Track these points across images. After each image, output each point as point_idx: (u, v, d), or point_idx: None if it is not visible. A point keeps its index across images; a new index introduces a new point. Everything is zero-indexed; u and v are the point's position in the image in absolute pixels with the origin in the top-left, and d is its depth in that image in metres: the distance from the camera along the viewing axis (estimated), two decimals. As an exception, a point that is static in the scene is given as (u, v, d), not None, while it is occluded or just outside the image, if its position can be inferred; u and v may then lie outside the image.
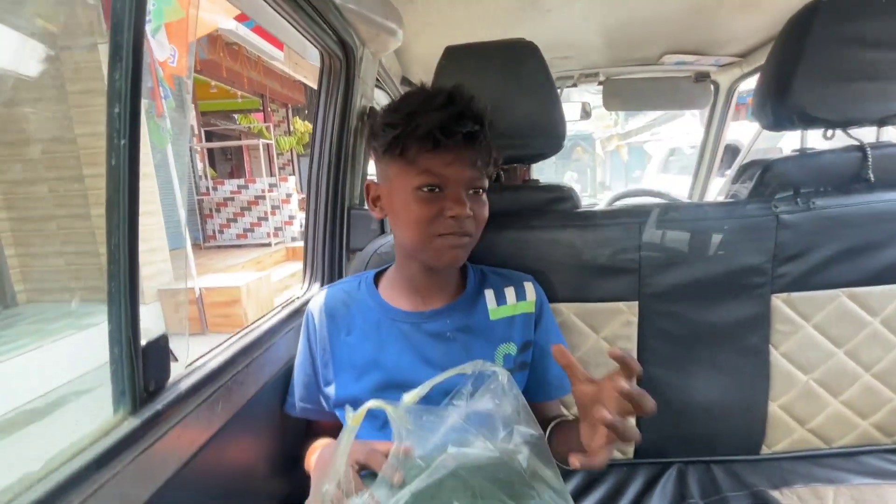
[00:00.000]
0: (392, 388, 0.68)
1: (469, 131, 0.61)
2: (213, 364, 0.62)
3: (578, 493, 0.88)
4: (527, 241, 0.89)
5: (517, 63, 0.91)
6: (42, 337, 3.29)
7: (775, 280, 0.87)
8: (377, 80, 1.30)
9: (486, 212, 0.68)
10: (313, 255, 1.05)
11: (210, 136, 7.88)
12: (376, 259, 0.90)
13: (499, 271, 0.79)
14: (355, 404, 0.70)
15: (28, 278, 4.30)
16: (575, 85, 2.00)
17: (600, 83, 1.95)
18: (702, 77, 1.84)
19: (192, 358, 0.62)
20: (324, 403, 0.75)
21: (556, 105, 0.92)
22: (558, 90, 1.93)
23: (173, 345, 0.54)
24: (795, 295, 0.87)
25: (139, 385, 0.48)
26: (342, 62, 1.00)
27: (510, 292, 0.75)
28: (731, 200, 0.94)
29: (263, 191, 6.47)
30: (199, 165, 6.83)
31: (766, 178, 0.90)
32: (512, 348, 0.72)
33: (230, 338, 0.71)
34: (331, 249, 1.05)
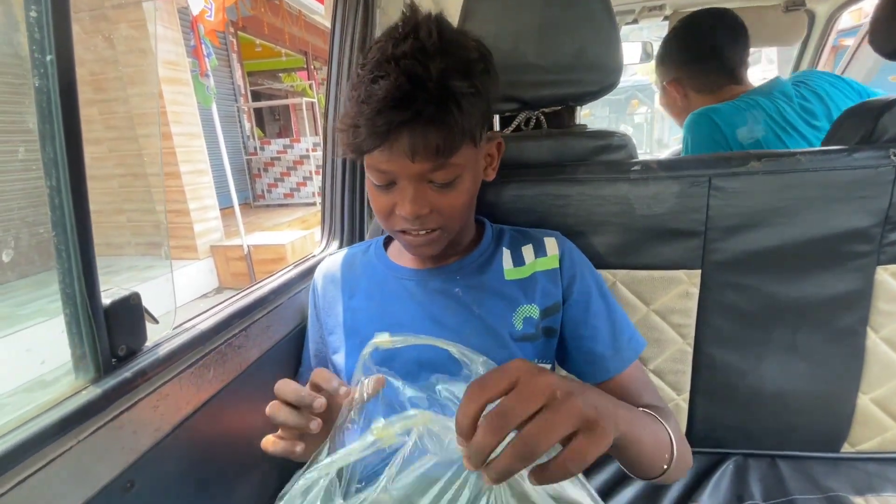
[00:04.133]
0: (396, 354, 0.61)
1: (399, 121, 0.47)
2: (205, 326, 0.56)
3: (615, 484, 0.79)
4: (568, 196, 0.76)
5: None
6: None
7: (884, 248, 0.70)
8: (404, 14, 1.16)
9: (457, 201, 0.55)
10: (331, 212, 0.97)
11: (257, 97, 7.96)
12: (396, 216, 0.81)
13: (520, 230, 0.69)
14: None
15: (97, 233, 4.62)
16: (635, 21, 1.75)
17: (665, 17, 1.69)
18: (794, 5, 1.53)
19: (182, 319, 0.56)
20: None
21: (611, 31, 0.76)
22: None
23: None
24: (910, 267, 0.70)
25: (102, 349, 0.42)
26: (359, -12, 0.87)
27: (528, 250, 0.64)
28: (831, 148, 0.75)
29: (308, 150, 6.52)
30: (247, 125, 6.95)
31: (885, 121, 0.70)
32: (534, 311, 0.61)
33: (229, 298, 0.65)
34: (350, 205, 0.97)
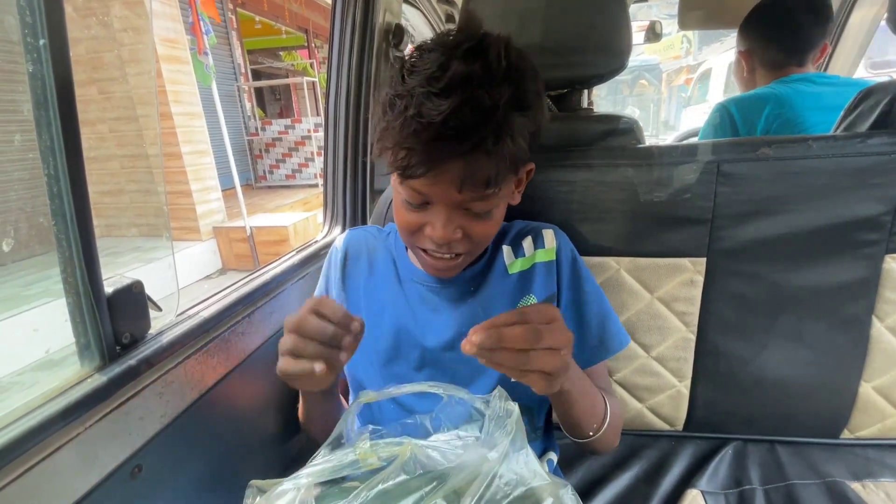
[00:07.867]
0: (404, 349, 0.62)
1: (458, 152, 0.45)
2: (208, 313, 0.56)
3: (615, 467, 0.80)
4: (573, 182, 0.75)
5: None
6: (114, 269, 3.57)
7: (894, 237, 0.69)
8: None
9: (488, 229, 0.54)
10: (333, 197, 0.96)
11: (257, 75, 7.83)
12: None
13: (520, 223, 0.68)
14: (364, 360, 0.64)
15: (100, 214, 4.62)
16: (644, -1, 1.70)
17: (676, -5, 1.64)
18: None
19: (186, 307, 0.56)
20: None
21: (620, 11, 0.73)
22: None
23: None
24: (919, 256, 0.69)
25: (106, 338, 0.42)
26: (360, -35, 0.85)
27: (527, 242, 0.64)
28: (843, 134, 0.73)
29: (309, 131, 6.45)
30: (248, 105, 6.85)
31: None
32: (534, 301, 0.61)
33: (232, 284, 0.65)
34: (353, 191, 0.96)
